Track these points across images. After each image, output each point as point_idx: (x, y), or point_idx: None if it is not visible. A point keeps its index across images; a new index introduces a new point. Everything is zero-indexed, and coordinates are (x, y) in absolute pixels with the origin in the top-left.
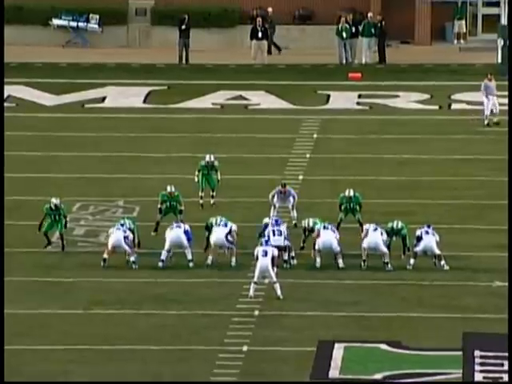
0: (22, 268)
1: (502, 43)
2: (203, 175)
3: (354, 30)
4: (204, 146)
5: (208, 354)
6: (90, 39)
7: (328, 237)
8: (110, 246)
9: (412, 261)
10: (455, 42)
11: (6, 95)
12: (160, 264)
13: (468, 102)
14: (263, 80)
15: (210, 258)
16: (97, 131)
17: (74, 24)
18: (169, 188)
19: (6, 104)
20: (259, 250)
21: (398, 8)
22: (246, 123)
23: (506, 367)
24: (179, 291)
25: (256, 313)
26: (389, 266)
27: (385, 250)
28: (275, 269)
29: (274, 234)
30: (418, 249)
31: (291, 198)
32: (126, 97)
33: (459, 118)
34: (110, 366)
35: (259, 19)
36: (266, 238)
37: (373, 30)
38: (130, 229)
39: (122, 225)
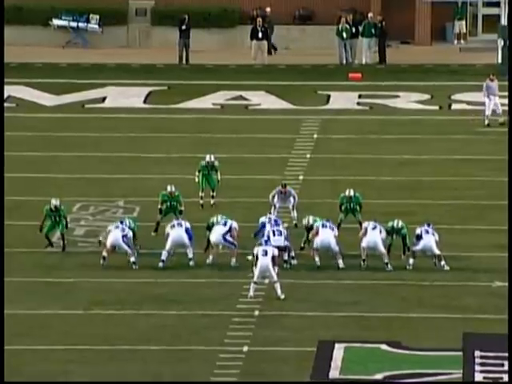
0: (22, 268)
1: (502, 43)
2: (203, 175)
3: (354, 30)
4: (204, 146)
5: (208, 354)
6: (90, 39)
7: (326, 235)
8: (108, 245)
9: (411, 260)
10: (455, 42)
11: (6, 95)
12: (160, 264)
13: (468, 103)
14: (263, 80)
15: (211, 257)
16: (97, 131)
17: (74, 24)
18: (169, 188)
19: (6, 104)
20: (259, 250)
21: (398, 8)
22: (246, 123)
23: (506, 367)
24: (179, 291)
25: (256, 313)
26: (389, 266)
27: (383, 250)
28: (276, 268)
29: (274, 234)
30: (417, 248)
31: (291, 199)
32: (127, 97)
33: (459, 119)
34: (110, 366)
35: (259, 19)
36: (266, 238)
37: (373, 31)
38: (130, 227)
39: (122, 222)
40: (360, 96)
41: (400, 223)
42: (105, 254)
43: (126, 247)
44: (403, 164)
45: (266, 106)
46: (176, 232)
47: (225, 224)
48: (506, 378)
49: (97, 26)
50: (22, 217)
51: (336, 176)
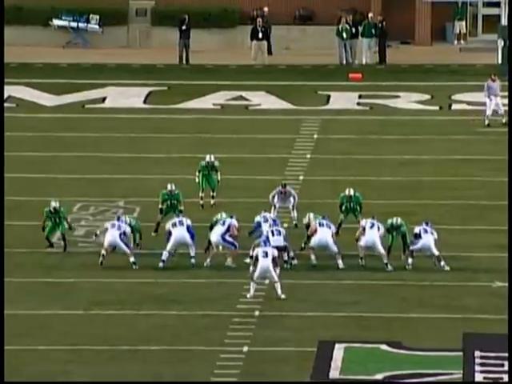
0: (22, 268)
1: (503, 44)
2: (203, 175)
3: (354, 30)
4: (204, 147)
5: (208, 354)
6: (90, 40)
7: (324, 234)
8: (106, 245)
9: (410, 260)
10: (455, 42)
11: (6, 95)
12: (161, 264)
13: (468, 103)
14: (264, 80)
15: (208, 260)
16: (97, 132)
17: (74, 24)
18: (169, 186)
19: (6, 104)
20: (259, 251)
21: (399, 8)
22: (246, 124)
23: (506, 367)
24: (179, 291)
25: (256, 313)
26: (389, 266)
27: (382, 251)
28: (277, 270)
29: (273, 234)
30: (416, 247)
31: (291, 199)
32: (127, 97)
33: (460, 119)
34: (110, 367)
35: (259, 20)
36: (265, 239)
37: (373, 31)
38: (130, 225)
39: (118, 219)
40: (360, 96)
41: (399, 220)
42: (103, 252)
43: (124, 248)
44: (403, 164)
45: (267, 107)
46: (178, 231)
47: (223, 223)
48: (506, 378)
49: (97, 26)
50: (21, 217)
51: (336, 176)
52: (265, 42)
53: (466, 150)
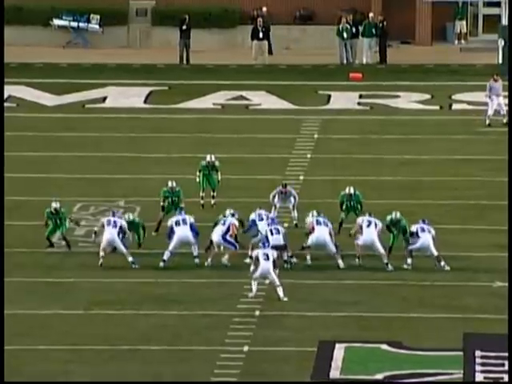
0: (22, 268)
1: (503, 43)
2: (204, 175)
3: (354, 30)
4: (205, 146)
5: (209, 354)
6: (90, 39)
7: (322, 233)
8: (104, 244)
9: (409, 260)
10: (456, 42)
11: (6, 95)
12: (161, 264)
13: (469, 103)
14: (264, 80)
15: (209, 260)
16: (97, 131)
17: (74, 24)
18: (170, 183)
19: (6, 104)
20: (259, 253)
21: (399, 8)
22: (246, 123)
23: (506, 367)
24: (180, 291)
25: (257, 313)
26: (389, 266)
27: (382, 250)
28: (276, 271)
29: (272, 233)
30: (415, 247)
31: (292, 199)
32: (127, 97)
33: (460, 119)
34: (110, 366)
35: (260, 19)
36: (265, 240)
37: (373, 31)
38: (133, 222)
39: (113, 214)
40: (360, 96)
41: (398, 214)
42: (102, 253)
43: (122, 248)
44: (404, 164)
45: (267, 106)
46: (182, 231)
47: (224, 223)
48: (506, 378)
49: (97, 26)
50: (21, 217)
51: (336, 176)
52: (265, 42)
53: (465, 150)
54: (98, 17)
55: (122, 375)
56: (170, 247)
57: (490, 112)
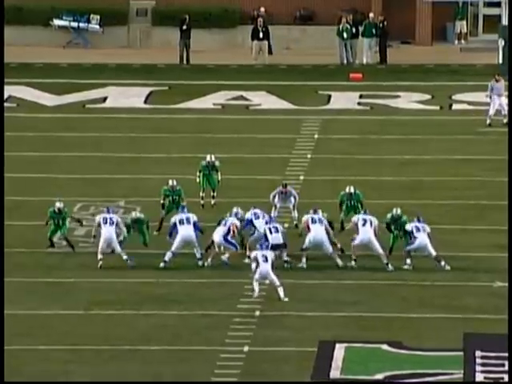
0: (22, 268)
1: (503, 43)
2: (204, 175)
3: (354, 30)
4: (205, 147)
5: (209, 354)
6: (90, 39)
7: (318, 232)
8: (102, 243)
9: (409, 260)
10: (456, 42)
11: (6, 95)
12: (162, 264)
13: (469, 103)
14: (264, 80)
15: (209, 260)
16: (98, 131)
17: (74, 24)
18: (170, 182)
19: (6, 104)
20: (258, 255)
21: (399, 8)
22: (246, 123)
23: (506, 367)
24: (180, 291)
25: (257, 313)
26: (390, 266)
27: (380, 250)
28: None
29: (271, 232)
30: (412, 247)
31: (292, 199)
32: (127, 97)
33: (460, 119)
34: (110, 367)
35: (260, 20)
36: (264, 238)
37: (374, 31)
38: (137, 220)
39: (108, 211)
40: (361, 96)
41: (399, 211)
42: (100, 256)
43: (117, 247)
44: (404, 164)
45: (267, 106)
46: (185, 230)
47: (225, 223)
48: (506, 378)
49: (97, 26)
50: (22, 217)
51: (337, 176)
52: (265, 42)
53: (466, 150)
54: (98, 17)
55: (122, 375)
56: (173, 247)
57: (492, 112)
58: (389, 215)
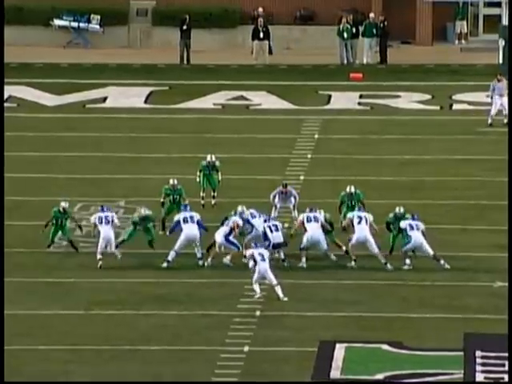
0: (22, 268)
1: (503, 43)
2: (204, 175)
3: (354, 30)
4: (205, 147)
5: (209, 354)
6: (91, 39)
7: (314, 231)
8: (101, 242)
9: (408, 260)
10: (456, 42)
11: (7, 95)
12: (165, 264)
13: (469, 103)
14: (264, 80)
15: (209, 260)
16: (98, 131)
17: (75, 24)
18: (171, 181)
19: (7, 104)
20: (255, 253)
21: (399, 8)
22: (247, 123)
23: (507, 367)
24: (180, 291)
25: (257, 313)
26: (388, 266)
27: (376, 250)
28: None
29: (271, 231)
30: (408, 247)
31: (292, 199)
32: (127, 97)
33: (460, 119)
34: (110, 367)
35: (261, 19)
36: (264, 239)
37: (374, 31)
38: (144, 217)
39: (103, 209)
40: (361, 96)
41: (402, 209)
42: (99, 256)
43: (113, 247)
44: (404, 164)
45: (267, 106)
46: (190, 229)
47: (228, 223)
48: (506, 378)
49: (98, 26)
50: (21, 217)
51: (337, 176)
52: (266, 42)
53: (466, 150)
54: (99, 17)
55: (122, 375)
56: (176, 246)
57: (493, 112)
58: (391, 214)
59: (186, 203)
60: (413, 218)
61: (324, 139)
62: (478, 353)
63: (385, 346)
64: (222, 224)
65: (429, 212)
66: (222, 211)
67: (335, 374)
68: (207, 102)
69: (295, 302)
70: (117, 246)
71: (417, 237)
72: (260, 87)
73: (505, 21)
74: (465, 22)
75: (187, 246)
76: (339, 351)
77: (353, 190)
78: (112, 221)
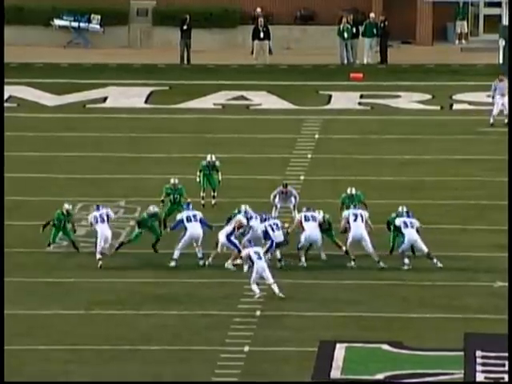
0: (22, 268)
1: (504, 43)
2: (204, 175)
3: (355, 30)
4: (205, 147)
5: (209, 354)
6: (91, 39)
7: (312, 230)
8: (101, 242)
9: (406, 260)
10: (457, 42)
11: (7, 95)
12: (173, 263)
13: (469, 103)
14: (265, 80)
15: (210, 259)
16: (98, 131)
17: (75, 24)
18: (172, 180)
19: (7, 104)
20: (251, 252)
21: (400, 8)
22: (247, 123)
23: (507, 367)
24: (180, 291)
25: (257, 313)
26: (381, 263)
27: (371, 249)
28: None
29: (273, 230)
30: (404, 247)
31: (293, 199)
32: (128, 97)
33: (460, 119)
34: (110, 367)
35: (261, 19)
36: (265, 237)
37: (374, 31)
38: (153, 215)
39: (98, 208)
40: (361, 96)
41: (405, 208)
42: (99, 256)
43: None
44: (404, 164)
45: (268, 106)
46: (193, 228)
47: (231, 223)
48: (506, 378)
49: (98, 26)
50: (21, 217)
51: (337, 176)
52: (266, 42)
53: (466, 150)
54: (99, 17)
55: (122, 375)
56: (180, 245)
57: (495, 112)
58: (393, 214)
59: (189, 201)
60: (407, 216)
61: (324, 139)
62: (478, 353)
63: (385, 346)
64: (227, 223)
65: (429, 212)
66: (222, 211)
67: (335, 373)
68: (207, 101)
69: (295, 302)
70: (119, 246)
71: (410, 234)
72: (260, 87)
73: (505, 21)
74: (465, 22)
75: (190, 245)
76: (339, 351)
77: (353, 191)
78: (107, 217)
